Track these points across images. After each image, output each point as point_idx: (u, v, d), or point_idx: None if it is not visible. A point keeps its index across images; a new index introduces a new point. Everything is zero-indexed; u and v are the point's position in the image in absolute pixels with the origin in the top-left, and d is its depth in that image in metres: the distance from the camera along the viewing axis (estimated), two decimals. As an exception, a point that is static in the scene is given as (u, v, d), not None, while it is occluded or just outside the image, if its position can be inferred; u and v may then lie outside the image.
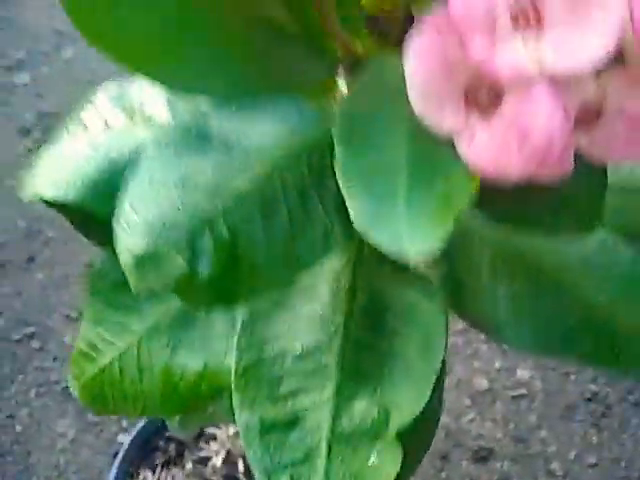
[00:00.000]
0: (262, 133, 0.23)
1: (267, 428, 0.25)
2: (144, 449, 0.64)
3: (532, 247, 0.27)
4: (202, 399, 0.29)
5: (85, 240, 0.31)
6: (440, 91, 0.18)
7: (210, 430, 0.63)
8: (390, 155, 0.19)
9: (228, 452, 0.61)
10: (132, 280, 0.20)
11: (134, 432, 0.65)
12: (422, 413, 0.25)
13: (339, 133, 0.20)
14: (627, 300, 0.27)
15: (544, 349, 0.27)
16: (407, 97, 0.19)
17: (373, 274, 0.26)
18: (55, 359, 0.88)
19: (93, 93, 0.31)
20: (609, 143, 0.20)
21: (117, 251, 0.20)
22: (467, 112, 0.19)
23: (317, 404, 0.25)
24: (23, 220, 1.01)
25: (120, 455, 0.64)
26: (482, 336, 0.78)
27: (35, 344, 0.90)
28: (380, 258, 0.20)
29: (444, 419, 0.73)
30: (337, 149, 0.19)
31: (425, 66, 0.18)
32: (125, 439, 0.68)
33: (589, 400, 0.78)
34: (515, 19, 0.17)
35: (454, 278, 0.27)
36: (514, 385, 0.79)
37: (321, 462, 0.25)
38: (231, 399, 0.26)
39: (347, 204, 0.18)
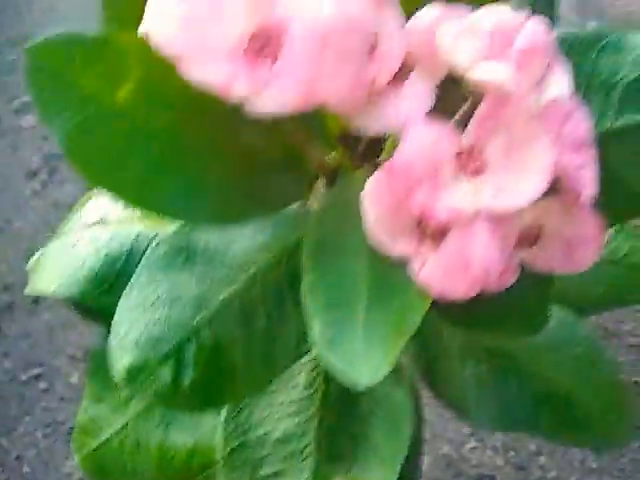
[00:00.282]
0: (243, 244, 0.25)
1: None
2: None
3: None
4: (194, 473, 0.31)
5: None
6: (392, 224, 0.21)
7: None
8: (352, 276, 0.22)
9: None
10: (123, 391, 0.22)
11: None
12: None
13: (307, 254, 0.22)
14: (585, 378, 0.29)
15: (509, 427, 0.29)
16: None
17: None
18: (62, 399, 0.90)
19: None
20: (549, 260, 0.22)
21: (110, 363, 0.23)
22: (418, 241, 0.21)
23: (296, 485, 0.28)
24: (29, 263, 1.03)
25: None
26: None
27: (42, 385, 0.92)
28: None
29: (445, 448, 0.75)
30: (304, 270, 0.22)
31: (378, 205, 0.20)
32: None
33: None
34: (456, 165, 0.20)
35: (426, 358, 0.29)
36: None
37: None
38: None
39: (310, 327, 0.20)
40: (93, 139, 0.22)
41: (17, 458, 0.82)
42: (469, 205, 0.19)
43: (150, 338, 0.23)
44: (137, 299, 0.24)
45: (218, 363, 0.24)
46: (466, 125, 0.21)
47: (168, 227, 0.26)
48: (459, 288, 0.20)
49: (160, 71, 0.21)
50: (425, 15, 0.20)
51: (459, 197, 0.19)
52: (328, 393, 0.28)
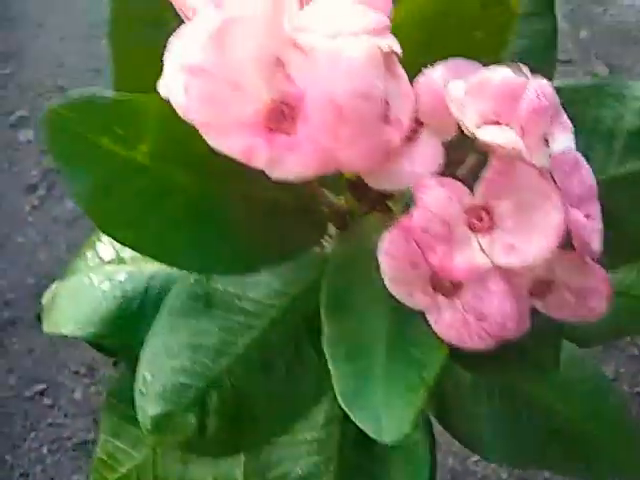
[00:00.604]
0: (260, 290, 0.26)
1: None
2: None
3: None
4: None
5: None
6: (408, 279, 0.21)
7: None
8: (371, 326, 0.22)
9: None
10: (150, 439, 0.23)
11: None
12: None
13: (325, 304, 0.23)
14: (595, 414, 0.30)
15: (520, 463, 0.30)
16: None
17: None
18: (66, 415, 0.90)
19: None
20: (560, 308, 0.23)
21: (137, 413, 0.23)
22: (433, 294, 0.22)
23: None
24: (32, 277, 1.04)
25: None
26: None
27: (47, 401, 0.92)
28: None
29: (450, 462, 0.75)
30: (323, 320, 0.22)
31: (393, 262, 0.21)
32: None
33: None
34: (468, 223, 0.20)
35: (438, 394, 0.30)
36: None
37: None
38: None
39: (332, 378, 0.21)
40: (113, 197, 0.22)
41: (23, 475, 0.82)
42: (483, 262, 0.20)
43: (174, 387, 0.24)
44: (159, 347, 0.24)
45: (240, 410, 0.24)
46: (473, 177, 0.22)
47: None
48: (476, 340, 0.21)
49: (177, 130, 0.22)
50: (433, 75, 0.21)
51: (473, 254, 0.20)
52: (346, 432, 0.28)
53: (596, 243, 0.21)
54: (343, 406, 0.20)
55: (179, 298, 0.25)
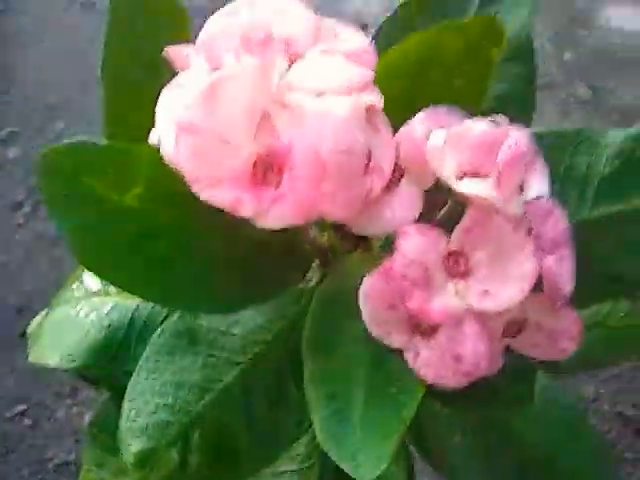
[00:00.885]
0: (243, 326, 0.27)
1: None
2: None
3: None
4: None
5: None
6: (387, 320, 0.22)
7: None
8: (350, 366, 0.23)
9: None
10: (134, 475, 0.23)
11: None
12: None
13: (306, 344, 0.23)
14: (571, 443, 0.30)
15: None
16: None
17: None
18: (48, 436, 0.89)
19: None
20: (532, 348, 0.24)
21: (121, 449, 0.24)
22: (411, 335, 0.22)
23: None
24: (15, 296, 1.03)
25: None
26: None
27: (27, 422, 0.91)
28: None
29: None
30: (305, 360, 0.23)
31: (373, 303, 0.22)
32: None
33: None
34: (445, 268, 0.21)
35: (418, 425, 0.31)
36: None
37: None
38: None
39: (312, 417, 0.21)
40: (100, 238, 0.23)
41: (2, 497, 0.81)
42: (458, 306, 0.21)
43: (157, 424, 0.24)
44: (144, 384, 0.25)
45: (222, 446, 0.25)
46: (451, 221, 0.22)
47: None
48: (452, 378, 0.22)
49: (166, 175, 0.22)
50: (414, 125, 0.22)
51: (449, 299, 0.21)
52: (327, 463, 0.29)
53: (567, 287, 0.22)
54: (322, 445, 0.21)
55: (163, 335, 0.26)
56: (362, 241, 0.27)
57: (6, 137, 1.20)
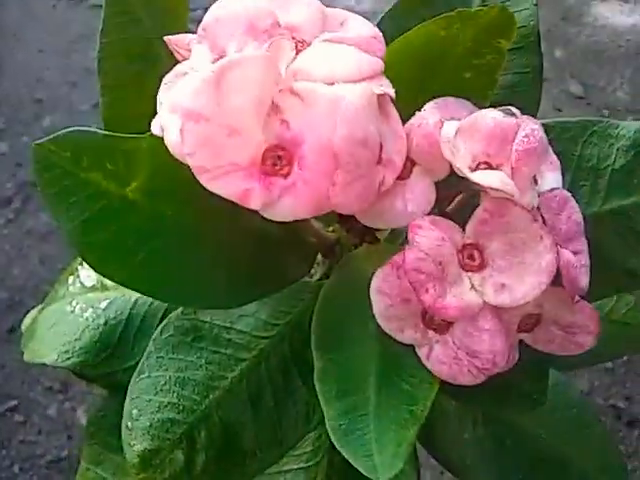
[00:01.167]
0: (247, 322, 0.26)
1: None
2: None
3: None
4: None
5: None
6: (399, 316, 0.22)
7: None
8: (361, 362, 0.22)
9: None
10: (137, 477, 0.23)
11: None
12: None
13: (316, 339, 0.23)
14: (579, 440, 0.30)
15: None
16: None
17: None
18: (39, 432, 0.89)
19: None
20: (547, 342, 0.23)
21: (124, 450, 0.23)
22: (424, 330, 0.22)
23: None
24: (4, 291, 1.02)
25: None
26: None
27: (18, 417, 0.90)
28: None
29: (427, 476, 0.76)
30: (314, 356, 0.22)
31: (385, 299, 0.21)
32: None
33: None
34: (461, 263, 0.21)
35: (425, 422, 0.30)
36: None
37: None
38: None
39: (324, 415, 0.21)
40: (102, 234, 0.22)
41: (-7, 494, 0.81)
42: (474, 300, 0.20)
43: (162, 423, 0.23)
44: (147, 382, 0.24)
45: (228, 445, 0.24)
46: (462, 214, 0.22)
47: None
48: (467, 375, 0.21)
49: (168, 166, 0.22)
50: (425, 116, 0.21)
51: (465, 293, 0.20)
52: (333, 461, 0.28)
53: (584, 280, 0.21)
54: (335, 443, 0.20)
55: (166, 332, 0.25)
56: (368, 234, 0.27)
57: (-8, 133, 1.19)
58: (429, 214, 0.21)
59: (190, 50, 0.22)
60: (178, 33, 0.24)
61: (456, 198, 0.23)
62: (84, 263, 0.35)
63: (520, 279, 0.20)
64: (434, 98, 0.23)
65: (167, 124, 0.19)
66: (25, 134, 1.18)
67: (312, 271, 0.28)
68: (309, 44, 0.21)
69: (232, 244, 0.24)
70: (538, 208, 0.21)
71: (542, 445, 0.30)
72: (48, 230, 1.01)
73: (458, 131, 0.21)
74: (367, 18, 0.23)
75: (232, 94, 0.18)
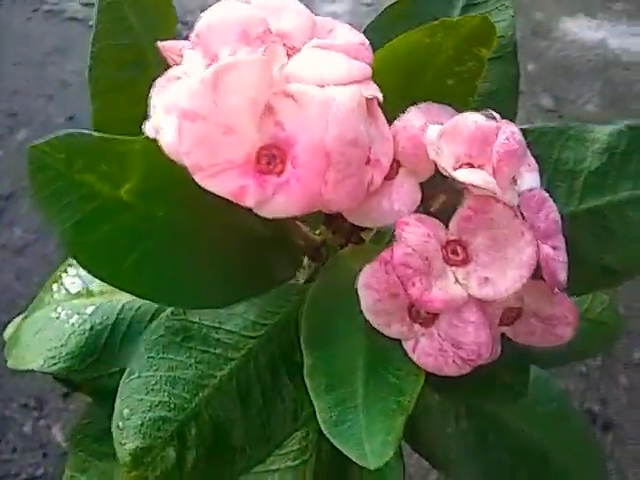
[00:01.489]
0: (236, 322, 0.26)
1: None
2: None
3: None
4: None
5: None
6: (387, 310, 0.22)
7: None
8: (349, 356, 0.23)
9: None
10: (129, 475, 0.23)
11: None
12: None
13: (305, 336, 0.23)
14: (560, 433, 0.31)
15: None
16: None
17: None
18: (14, 450, 0.87)
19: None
20: (528, 335, 0.24)
21: (115, 449, 0.23)
22: (411, 324, 0.23)
23: None
24: (-23, 306, 1.00)
25: None
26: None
27: (-8, 436, 0.88)
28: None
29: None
30: (304, 352, 0.23)
31: (373, 294, 0.22)
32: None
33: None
34: (446, 258, 0.22)
35: (409, 417, 0.31)
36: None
37: None
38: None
39: (315, 408, 0.21)
40: (95, 234, 0.22)
41: (-33, 514, 0.79)
42: (459, 293, 0.21)
43: (154, 421, 0.24)
44: (138, 382, 0.24)
45: (218, 442, 0.24)
46: (444, 213, 0.23)
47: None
48: (452, 366, 0.22)
49: (161, 168, 0.22)
50: (410, 119, 0.22)
51: (449, 286, 0.21)
52: (321, 458, 0.29)
53: (562, 274, 0.22)
54: (326, 433, 0.21)
55: (157, 332, 0.26)
56: (354, 235, 0.28)
57: (-32, 146, 1.17)
58: (414, 213, 0.22)
59: (182, 55, 0.23)
60: (168, 39, 0.24)
61: (439, 198, 0.24)
62: (68, 270, 0.35)
63: (502, 273, 0.21)
64: (417, 103, 0.24)
65: (162, 125, 0.20)
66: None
67: (297, 274, 0.29)
68: (299, 50, 0.22)
69: (223, 245, 0.25)
70: (518, 207, 0.22)
71: (524, 439, 0.31)
72: (24, 244, 1.00)
73: (441, 134, 0.22)
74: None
75: (228, 95, 0.19)
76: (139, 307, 0.32)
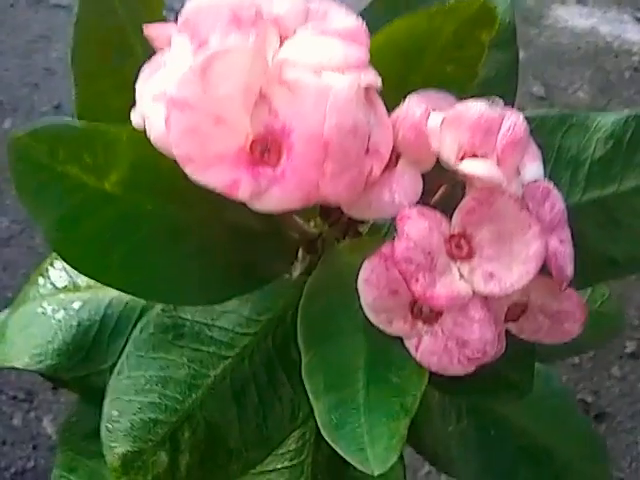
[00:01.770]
0: (229, 319, 0.25)
1: None
2: None
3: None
4: None
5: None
6: (388, 307, 0.21)
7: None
8: (349, 355, 0.22)
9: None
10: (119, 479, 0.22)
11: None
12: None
13: (302, 334, 0.22)
14: (562, 429, 0.30)
15: None
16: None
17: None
18: (4, 443, 0.86)
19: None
20: (534, 331, 0.23)
21: (104, 452, 0.22)
22: (413, 321, 0.22)
23: None
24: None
25: None
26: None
27: (-19, 428, 0.88)
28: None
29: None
30: (301, 350, 0.22)
31: (374, 290, 0.21)
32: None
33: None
34: (450, 253, 0.21)
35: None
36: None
37: None
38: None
39: (314, 410, 0.21)
40: (80, 228, 0.21)
41: (-44, 507, 0.78)
42: (464, 289, 0.20)
43: (143, 423, 0.23)
44: (127, 382, 0.24)
45: (213, 445, 0.24)
46: (445, 206, 0.22)
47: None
48: (457, 365, 0.21)
49: (148, 159, 0.21)
50: (410, 108, 0.21)
51: (454, 282, 0.20)
52: (318, 459, 0.28)
53: (569, 268, 0.22)
54: (326, 437, 0.20)
55: (146, 331, 0.25)
56: (351, 228, 0.27)
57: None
58: (415, 205, 0.21)
59: (169, 41, 0.21)
60: (154, 23, 0.23)
61: (439, 190, 0.23)
62: (54, 263, 0.34)
63: (508, 268, 0.20)
64: (416, 90, 0.23)
65: (150, 114, 0.19)
66: (-16, 137, 1.16)
67: (293, 267, 0.28)
68: (292, 35, 0.21)
69: (214, 239, 0.24)
70: (522, 198, 0.22)
71: (526, 435, 0.30)
72: (10, 235, 0.99)
73: (443, 122, 0.21)
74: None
75: (219, 83, 0.18)
76: (127, 302, 0.31)
